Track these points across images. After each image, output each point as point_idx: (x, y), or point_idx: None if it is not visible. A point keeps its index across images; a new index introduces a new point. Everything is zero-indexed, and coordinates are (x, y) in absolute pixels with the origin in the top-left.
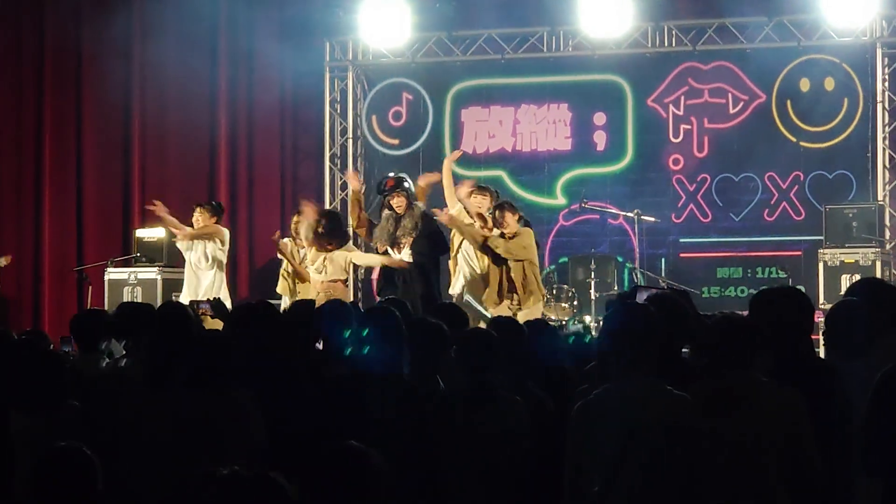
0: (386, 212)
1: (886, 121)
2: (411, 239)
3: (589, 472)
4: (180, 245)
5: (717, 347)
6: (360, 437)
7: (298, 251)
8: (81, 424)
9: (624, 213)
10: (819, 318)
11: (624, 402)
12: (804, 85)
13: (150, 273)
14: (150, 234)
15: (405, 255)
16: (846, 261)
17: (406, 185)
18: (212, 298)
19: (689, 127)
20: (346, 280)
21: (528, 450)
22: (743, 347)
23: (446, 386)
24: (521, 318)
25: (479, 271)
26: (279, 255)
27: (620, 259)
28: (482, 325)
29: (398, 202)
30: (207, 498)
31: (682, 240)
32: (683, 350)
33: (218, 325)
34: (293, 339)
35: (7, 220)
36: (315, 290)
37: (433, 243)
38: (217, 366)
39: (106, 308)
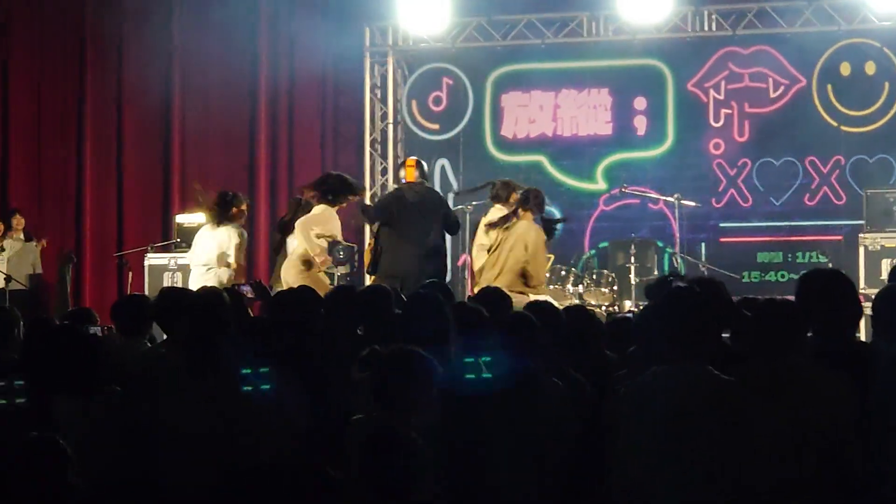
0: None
1: None
2: None
3: (637, 457)
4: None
5: (763, 331)
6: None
7: None
8: (120, 409)
9: (664, 198)
10: (863, 303)
11: (672, 387)
12: (845, 69)
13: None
14: (190, 219)
15: None
16: (887, 245)
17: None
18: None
19: (729, 111)
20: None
21: (571, 435)
22: (790, 331)
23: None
24: None
25: None
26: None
27: (661, 244)
28: None
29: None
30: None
31: (722, 224)
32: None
33: None
34: (336, 322)
35: (49, 206)
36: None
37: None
38: (258, 351)
39: (146, 293)
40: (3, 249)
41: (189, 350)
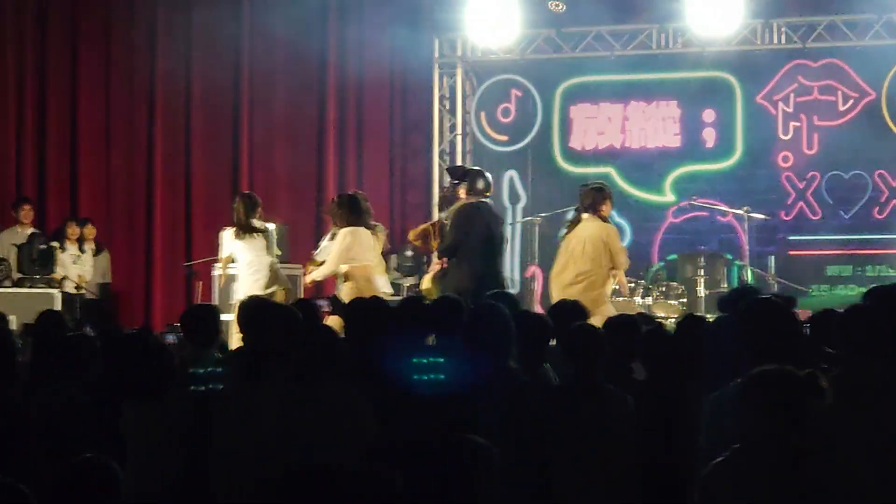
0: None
1: None
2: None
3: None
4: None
5: (862, 337)
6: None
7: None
8: (187, 416)
9: (733, 211)
10: None
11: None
12: None
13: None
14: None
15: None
16: None
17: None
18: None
19: (798, 124)
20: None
21: (633, 443)
22: (886, 337)
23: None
24: None
25: None
26: None
27: (729, 256)
28: None
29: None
30: (311, 491)
31: (791, 237)
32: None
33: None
34: (402, 334)
35: (119, 217)
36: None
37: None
38: (325, 360)
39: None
40: (84, 252)
41: (247, 357)
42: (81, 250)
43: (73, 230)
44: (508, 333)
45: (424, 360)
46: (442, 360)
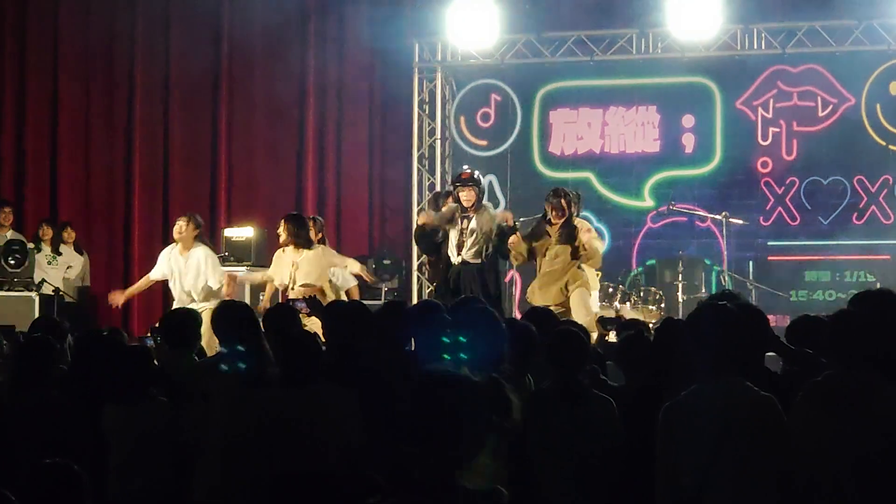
0: (452, 204)
1: None
2: (481, 240)
3: (681, 473)
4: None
5: (836, 345)
6: (454, 436)
7: None
8: (165, 418)
9: (712, 216)
10: None
11: (713, 403)
12: (894, 88)
13: (239, 272)
14: (238, 233)
15: (466, 255)
16: None
17: (481, 182)
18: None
19: (777, 130)
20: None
21: (618, 449)
22: (861, 346)
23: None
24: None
25: None
26: None
27: (708, 262)
28: None
29: (468, 196)
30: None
31: (770, 243)
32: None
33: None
34: (384, 339)
35: (98, 219)
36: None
37: (499, 249)
38: (312, 365)
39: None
40: (61, 254)
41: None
42: (59, 253)
43: (45, 232)
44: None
45: (447, 339)
46: (465, 339)
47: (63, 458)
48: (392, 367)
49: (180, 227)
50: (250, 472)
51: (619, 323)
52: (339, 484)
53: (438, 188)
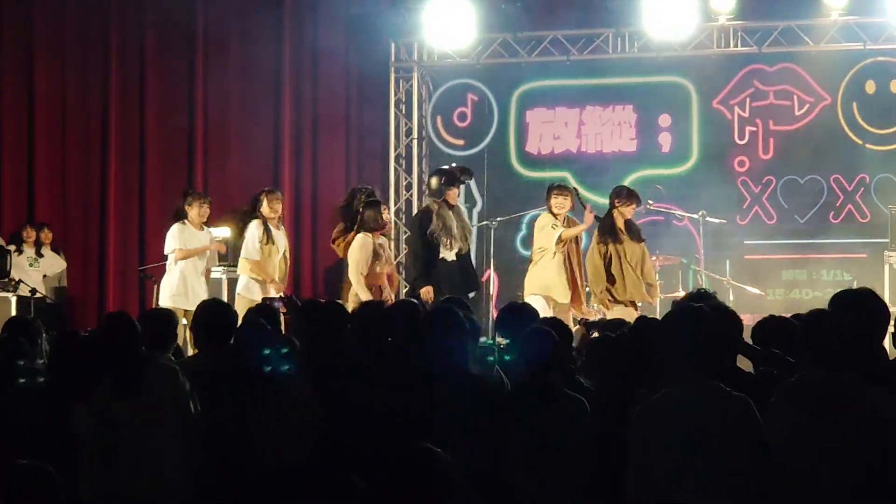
0: (443, 206)
1: None
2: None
3: (654, 475)
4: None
5: (810, 345)
6: (431, 433)
7: None
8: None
9: (689, 215)
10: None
11: (685, 406)
12: (870, 87)
13: (216, 272)
14: (215, 233)
15: (450, 256)
16: None
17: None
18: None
19: (754, 129)
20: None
21: (591, 448)
22: (836, 346)
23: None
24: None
25: None
26: None
27: (685, 261)
28: None
29: (453, 195)
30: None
31: (746, 242)
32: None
33: None
34: (362, 337)
35: (73, 219)
36: None
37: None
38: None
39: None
40: (42, 256)
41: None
42: (39, 254)
43: (28, 234)
44: (464, 337)
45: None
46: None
47: (33, 458)
48: (371, 364)
49: (279, 206)
50: (223, 464)
51: (601, 324)
52: (316, 485)
53: (416, 188)
